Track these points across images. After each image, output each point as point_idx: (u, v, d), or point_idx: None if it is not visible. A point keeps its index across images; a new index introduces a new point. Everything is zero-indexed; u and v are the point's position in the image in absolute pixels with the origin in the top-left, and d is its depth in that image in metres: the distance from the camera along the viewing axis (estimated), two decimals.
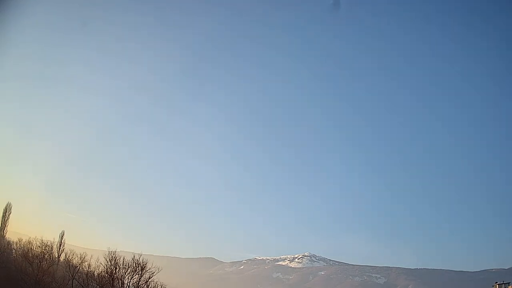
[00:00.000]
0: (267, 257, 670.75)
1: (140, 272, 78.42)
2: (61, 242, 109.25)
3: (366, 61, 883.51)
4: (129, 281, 78.26)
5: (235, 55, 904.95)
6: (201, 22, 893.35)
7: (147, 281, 79.69)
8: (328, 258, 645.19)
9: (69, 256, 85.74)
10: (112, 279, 75.85)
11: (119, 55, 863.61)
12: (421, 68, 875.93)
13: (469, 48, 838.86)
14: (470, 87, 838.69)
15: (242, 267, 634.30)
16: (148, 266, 79.74)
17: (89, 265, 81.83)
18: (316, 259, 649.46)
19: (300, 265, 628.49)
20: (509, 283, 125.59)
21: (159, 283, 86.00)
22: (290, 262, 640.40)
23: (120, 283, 76.67)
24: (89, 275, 78.92)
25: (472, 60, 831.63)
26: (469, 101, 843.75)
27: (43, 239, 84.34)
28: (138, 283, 78.61)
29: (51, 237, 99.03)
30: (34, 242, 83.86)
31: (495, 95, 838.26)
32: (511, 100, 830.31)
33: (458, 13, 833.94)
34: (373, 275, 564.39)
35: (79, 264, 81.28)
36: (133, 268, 78.17)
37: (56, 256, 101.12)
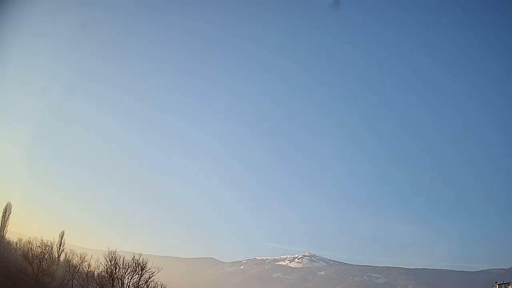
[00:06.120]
0: (267, 257, 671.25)
1: (140, 272, 78.62)
2: (61, 242, 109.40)
3: (366, 62, 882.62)
4: (129, 281, 78.41)
5: (234, 56, 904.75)
6: (201, 23, 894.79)
7: (147, 281, 79.88)
8: (328, 258, 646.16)
9: (69, 256, 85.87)
10: (112, 279, 75.96)
11: (118, 56, 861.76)
12: (421, 69, 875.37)
13: (469, 48, 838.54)
14: (470, 87, 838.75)
15: (242, 267, 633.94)
16: (148, 266, 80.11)
17: (89, 265, 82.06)
18: (316, 259, 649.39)
19: (300, 265, 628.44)
20: (509, 283, 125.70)
21: (159, 283, 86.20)
22: (290, 262, 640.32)
23: (120, 283, 76.75)
24: (89, 275, 79.11)
25: (472, 61, 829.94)
26: (469, 101, 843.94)
27: (43, 239, 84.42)
28: (138, 283, 78.75)
29: (51, 237, 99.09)
30: (34, 242, 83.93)
31: (494, 95, 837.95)
32: (510, 99, 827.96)
33: (458, 14, 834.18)
34: (373, 275, 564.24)
35: (79, 264, 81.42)
36: (133, 268, 78.37)
37: (56, 256, 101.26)
